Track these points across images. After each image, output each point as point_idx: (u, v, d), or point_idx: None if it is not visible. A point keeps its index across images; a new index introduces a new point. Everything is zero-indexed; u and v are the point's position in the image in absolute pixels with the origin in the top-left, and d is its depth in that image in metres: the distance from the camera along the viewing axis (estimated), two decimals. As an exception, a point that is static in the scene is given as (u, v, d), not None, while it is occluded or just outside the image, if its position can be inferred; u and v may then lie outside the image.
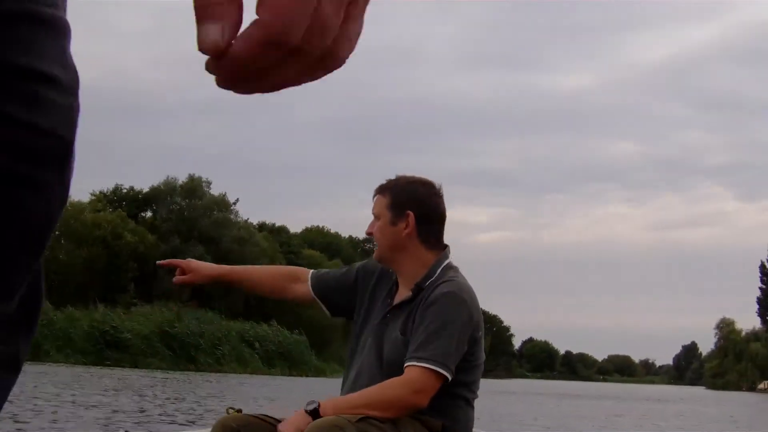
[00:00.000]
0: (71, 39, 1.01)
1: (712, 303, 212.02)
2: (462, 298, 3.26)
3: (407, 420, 3.14)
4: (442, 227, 3.50)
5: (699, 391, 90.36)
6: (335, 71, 0.85)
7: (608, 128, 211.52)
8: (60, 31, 0.99)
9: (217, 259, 49.59)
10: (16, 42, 0.94)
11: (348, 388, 3.40)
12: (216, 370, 43.24)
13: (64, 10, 1.00)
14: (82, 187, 63.99)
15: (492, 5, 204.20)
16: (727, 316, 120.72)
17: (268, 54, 0.78)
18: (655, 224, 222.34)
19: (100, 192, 63.66)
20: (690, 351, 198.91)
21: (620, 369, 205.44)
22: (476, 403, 3.40)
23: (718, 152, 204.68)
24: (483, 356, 3.38)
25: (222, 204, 63.82)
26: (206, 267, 3.80)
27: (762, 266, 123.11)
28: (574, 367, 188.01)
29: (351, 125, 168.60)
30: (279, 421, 3.17)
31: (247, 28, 0.78)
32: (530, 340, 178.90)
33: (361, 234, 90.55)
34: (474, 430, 3.41)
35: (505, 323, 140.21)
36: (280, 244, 68.30)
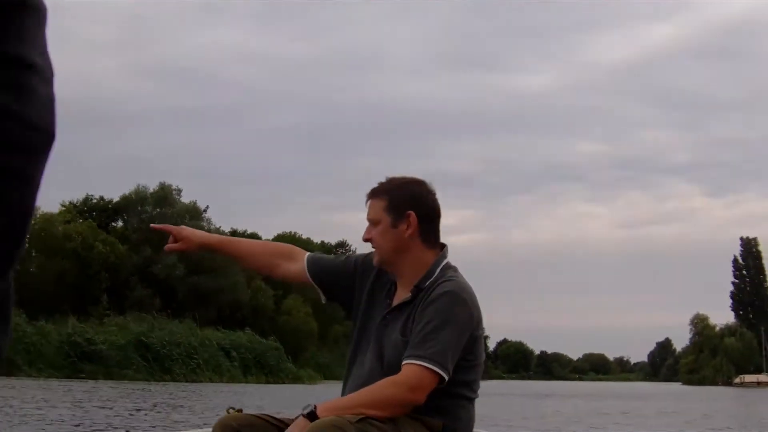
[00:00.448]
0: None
1: (684, 299, 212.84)
2: (462, 298, 3.22)
3: (407, 420, 3.09)
4: (438, 225, 3.45)
5: (675, 387, 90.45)
6: None
7: (571, 128, 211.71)
8: (42, 16, 0.97)
9: (189, 268, 49.36)
10: (8, 29, 0.93)
11: (349, 389, 3.33)
12: (192, 379, 42.80)
13: None
14: (52, 198, 63.36)
15: (452, 6, 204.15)
16: (701, 311, 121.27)
17: None
18: (622, 222, 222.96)
19: (70, 203, 63.16)
20: (664, 347, 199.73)
21: (595, 367, 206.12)
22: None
23: (683, 150, 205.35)
24: (483, 355, 3.36)
25: (193, 212, 63.47)
26: (198, 235, 3.70)
27: (735, 261, 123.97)
28: (550, 366, 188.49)
29: (314, 131, 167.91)
30: (280, 421, 3.15)
31: None
32: (504, 341, 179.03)
33: (332, 239, 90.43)
34: (475, 429, 3.37)
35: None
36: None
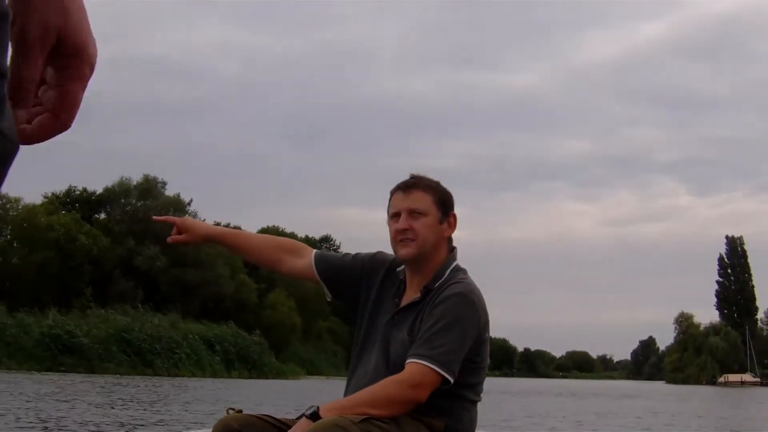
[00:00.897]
0: None
1: (667, 298, 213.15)
2: (471, 300, 3.23)
3: (410, 420, 3.09)
4: None
5: (660, 385, 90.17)
6: None
7: (558, 126, 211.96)
8: (8, 21, 0.96)
9: (173, 261, 48.89)
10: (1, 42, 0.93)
11: (353, 388, 3.31)
12: (174, 374, 42.31)
13: None
14: (35, 190, 62.79)
15: (439, 3, 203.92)
16: (685, 310, 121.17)
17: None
18: (609, 220, 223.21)
19: (53, 194, 62.50)
20: (647, 346, 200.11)
21: (579, 365, 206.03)
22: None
23: (669, 148, 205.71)
24: (488, 358, 3.35)
25: (177, 204, 62.97)
26: (202, 227, 3.72)
27: (720, 259, 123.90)
28: (533, 364, 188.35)
29: (299, 126, 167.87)
30: (280, 421, 3.15)
31: (44, 118, 1.05)
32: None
33: (316, 233, 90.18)
34: (477, 430, 3.36)
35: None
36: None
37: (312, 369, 66.40)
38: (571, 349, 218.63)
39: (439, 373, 3.08)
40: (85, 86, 1.05)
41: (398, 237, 3.36)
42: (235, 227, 49.47)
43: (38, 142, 1.05)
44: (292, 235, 78.83)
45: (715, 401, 39.66)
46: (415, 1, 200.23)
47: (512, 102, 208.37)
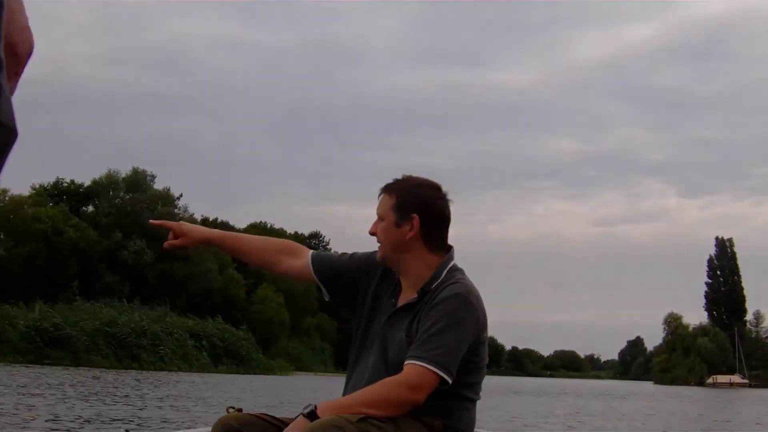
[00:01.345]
0: None
1: (655, 298, 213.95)
2: (469, 301, 3.21)
3: (408, 420, 3.07)
4: (446, 230, 3.42)
5: (648, 386, 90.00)
6: None
7: (548, 125, 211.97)
8: (3, 7, 0.96)
9: (160, 255, 48.48)
10: None
11: (352, 388, 3.30)
12: (160, 368, 41.83)
13: None
14: (22, 181, 62.21)
15: (432, 1, 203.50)
16: (673, 311, 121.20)
17: None
18: (597, 220, 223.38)
19: (40, 185, 61.91)
20: (635, 346, 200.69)
21: (566, 364, 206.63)
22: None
23: (659, 149, 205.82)
24: (486, 358, 3.32)
25: (167, 198, 62.49)
26: (198, 231, 3.70)
27: (710, 261, 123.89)
28: (521, 362, 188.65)
29: (290, 122, 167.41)
30: (280, 421, 3.15)
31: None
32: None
33: (305, 230, 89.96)
34: (475, 430, 3.35)
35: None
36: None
37: (300, 365, 65.96)
38: (558, 348, 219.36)
39: (437, 375, 3.08)
40: (14, 88, 1.00)
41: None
42: (223, 223, 49.34)
43: None
44: (281, 231, 78.84)
45: (711, 402, 39.36)
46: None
47: (502, 101, 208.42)
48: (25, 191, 59.27)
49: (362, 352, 3.42)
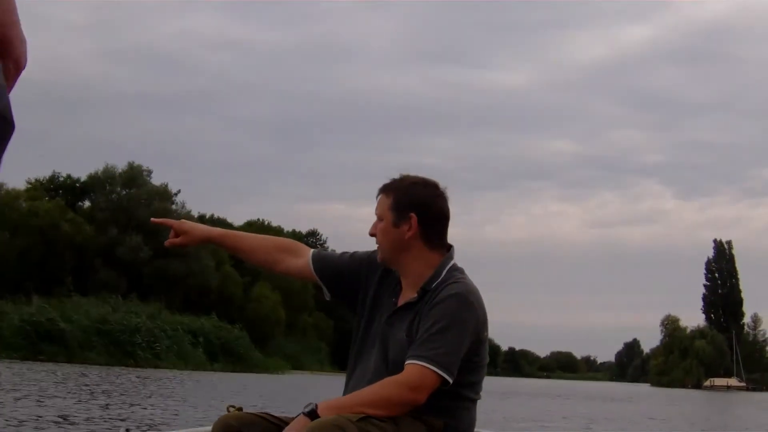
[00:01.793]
0: None
1: (652, 300, 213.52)
2: (469, 300, 3.21)
3: (408, 419, 3.07)
4: (445, 228, 3.42)
5: (645, 388, 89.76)
6: None
7: (544, 126, 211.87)
8: None
9: (156, 252, 48.13)
10: None
11: (352, 388, 3.29)
12: (155, 365, 41.41)
13: None
14: (17, 176, 61.88)
15: (429, 1, 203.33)
16: (669, 313, 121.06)
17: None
18: (593, 222, 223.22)
19: (36, 180, 61.49)
20: (631, 348, 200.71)
21: (562, 366, 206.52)
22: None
23: (655, 151, 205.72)
24: (487, 357, 3.32)
25: (164, 194, 62.07)
26: (199, 229, 3.70)
27: (708, 263, 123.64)
28: (518, 363, 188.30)
29: (288, 121, 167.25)
30: (280, 420, 3.15)
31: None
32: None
33: (303, 228, 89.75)
34: (476, 430, 3.34)
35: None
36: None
37: (296, 364, 65.62)
38: (555, 349, 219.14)
39: (438, 375, 3.07)
40: (12, 86, 1.02)
41: None
42: (220, 220, 49.06)
43: None
44: (278, 229, 78.52)
45: (710, 405, 39.09)
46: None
47: (498, 101, 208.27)
48: (21, 185, 58.99)
49: (363, 352, 3.42)
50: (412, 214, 3.31)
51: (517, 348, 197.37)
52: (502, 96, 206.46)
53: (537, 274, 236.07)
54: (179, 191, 64.61)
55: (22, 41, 1.00)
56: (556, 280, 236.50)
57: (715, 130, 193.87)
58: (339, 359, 68.83)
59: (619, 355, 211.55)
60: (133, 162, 62.13)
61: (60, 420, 11.18)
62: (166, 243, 3.68)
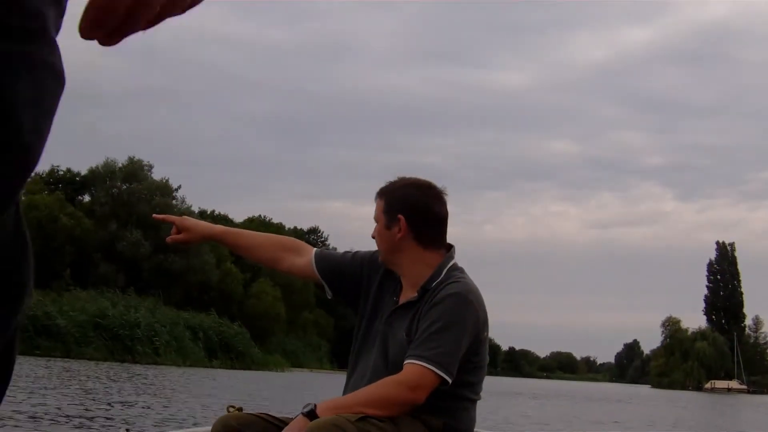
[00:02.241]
0: None
1: (652, 301, 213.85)
2: (468, 300, 3.22)
3: (408, 419, 3.08)
4: (440, 228, 3.42)
5: (646, 390, 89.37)
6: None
7: (545, 127, 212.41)
8: None
9: (156, 247, 47.73)
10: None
11: (352, 388, 3.30)
12: (154, 361, 41.02)
13: None
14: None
15: (430, 1, 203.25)
16: (668, 315, 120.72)
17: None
18: (593, 223, 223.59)
19: (36, 173, 60.99)
20: (631, 349, 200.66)
21: (562, 366, 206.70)
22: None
23: (656, 153, 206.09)
24: (487, 357, 3.34)
25: (165, 189, 61.65)
26: (201, 226, 3.72)
27: (710, 265, 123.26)
28: (517, 363, 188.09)
29: (289, 119, 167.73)
30: (280, 420, 3.17)
31: None
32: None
33: (304, 225, 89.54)
34: (475, 430, 3.33)
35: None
36: (223, 231, 66.23)
37: (296, 361, 65.26)
38: (555, 349, 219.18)
39: (437, 374, 3.08)
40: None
41: None
42: (222, 216, 48.74)
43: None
44: (280, 226, 78.23)
45: (714, 408, 38.77)
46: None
47: (499, 101, 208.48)
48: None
49: (363, 351, 3.43)
50: (400, 216, 3.34)
51: (517, 348, 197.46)
52: (503, 96, 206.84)
53: (537, 274, 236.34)
54: (179, 186, 64.19)
55: None
56: (556, 280, 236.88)
57: (715, 132, 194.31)
58: (339, 357, 68.53)
59: (618, 356, 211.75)
60: (134, 156, 61.75)
61: (59, 420, 11.06)
62: (168, 239, 3.69)
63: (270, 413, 3.27)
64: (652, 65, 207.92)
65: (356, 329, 3.51)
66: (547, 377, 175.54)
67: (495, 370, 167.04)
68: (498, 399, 28.94)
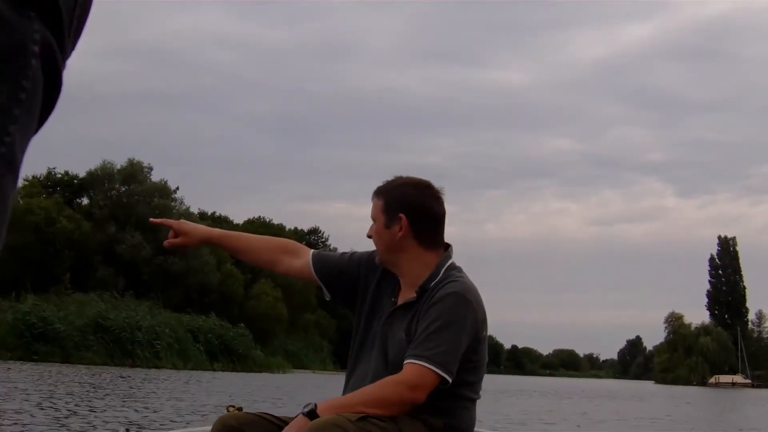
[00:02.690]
0: None
1: (654, 297, 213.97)
2: (467, 299, 3.21)
3: (408, 419, 3.07)
4: (439, 227, 3.41)
5: (650, 386, 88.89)
6: None
7: (545, 125, 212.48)
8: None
9: (156, 249, 47.31)
10: None
11: (352, 389, 3.29)
12: (154, 365, 40.63)
13: None
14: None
15: (430, 1, 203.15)
16: (670, 310, 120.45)
17: None
18: (595, 220, 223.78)
19: (33, 177, 60.61)
20: (634, 345, 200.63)
21: (565, 363, 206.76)
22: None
23: (656, 149, 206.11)
24: (486, 356, 3.33)
25: (163, 190, 61.27)
26: (199, 230, 3.70)
27: (711, 260, 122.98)
28: (520, 361, 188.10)
29: (289, 119, 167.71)
30: (280, 420, 3.17)
31: None
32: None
33: (305, 226, 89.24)
34: (475, 429, 3.34)
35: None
36: (223, 232, 65.92)
37: (298, 363, 64.93)
38: (557, 347, 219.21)
39: (437, 374, 3.07)
40: None
41: None
42: (222, 217, 48.34)
43: None
44: (279, 227, 77.99)
45: (722, 403, 38.40)
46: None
47: (499, 100, 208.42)
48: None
49: (362, 352, 3.43)
50: (401, 215, 3.32)
51: (520, 346, 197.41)
52: (503, 95, 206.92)
53: (539, 272, 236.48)
54: (178, 188, 63.81)
55: None
56: (558, 277, 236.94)
57: (716, 128, 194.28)
58: (342, 358, 68.08)
59: (621, 352, 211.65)
60: (133, 158, 61.33)
61: (60, 420, 11.03)
62: (165, 243, 3.66)
63: (270, 413, 3.28)
64: (652, 62, 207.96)
65: (354, 330, 3.52)
66: (550, 375, 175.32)
67: (498, 368, 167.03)
68: (500, 397, 28.57)
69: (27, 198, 54.38)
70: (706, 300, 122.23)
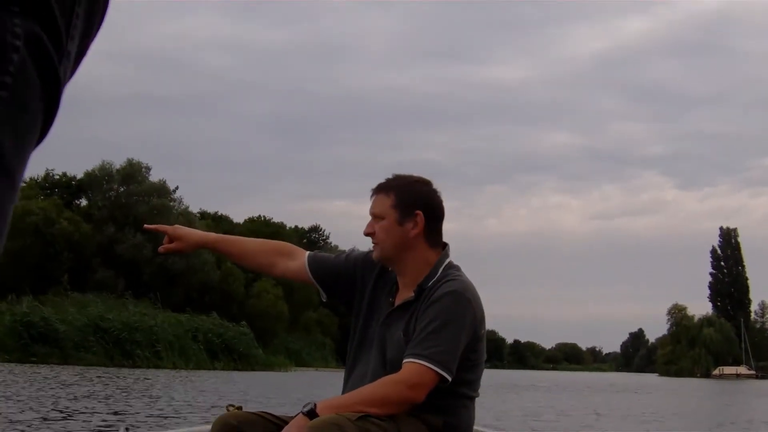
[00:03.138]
0: None
1: (655, 290, 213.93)
2: (465, 297, 3.21)
3: (407, 418, 3.08)
4: (442, 226, 3.41)
5: (654, 378, 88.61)
6: None
7: (545, 120, 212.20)
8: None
9: (156, 248, 47.47)
10: None
11: (351, 388, 3.27)
12: (155, 365, 40.36)
13: None
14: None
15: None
16: (673, 302, 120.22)
17: None
18: (595, 214, 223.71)
19: (31, 178, 60.33)
20: (637, 338, 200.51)
21: (568, 357, 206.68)
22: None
23: (656, 142, 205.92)
24: (485, 354, 3.33)
25: (162, 190, 60.97)
26: (194, 235, 3.69)
27: (713, 251, 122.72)
28: (523, 356, 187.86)
29: (289, 119, 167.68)
30: (280, 419, 3.17)
31: None
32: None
33: (305, 224, 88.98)
34: (475, 428, 3.35)
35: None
36: (223, 233, 65.41)
37: (300, 361, 64.66)
38: (560, 340, 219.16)
39: (437, 373, 3.08)
40: None
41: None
42: (223, 217, 48.05)
43: None
44: (280, 226, 77.74)
45: (728, 396, 38.18)
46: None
47: (498, 96, 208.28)
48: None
49: (361, 352, 3.43)
50: (419, 212, 3.29)
51: (523, 340, 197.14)
52: (502, 91, 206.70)
53: (540, 267, 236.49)
54: (177, 187, 63.54)
55: None
56: (559, 271, 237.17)
57: (715, 121, 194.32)
58: (344, 355, 67.45)
59: (624, 345, 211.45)
60: (132, 159, 61.01)
61: (60, 420, 11.09)
62: (160, 249, 3.65)
63: (270, 412, 3.26)
64: (651, 56, 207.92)
65: (352, 330, 3.51)
66: (553, 369, 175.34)
67: (501, 363, 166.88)
68: (503, 392, 28.36)
69: (25, 200, 54.10)
70: (709, 291, 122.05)
